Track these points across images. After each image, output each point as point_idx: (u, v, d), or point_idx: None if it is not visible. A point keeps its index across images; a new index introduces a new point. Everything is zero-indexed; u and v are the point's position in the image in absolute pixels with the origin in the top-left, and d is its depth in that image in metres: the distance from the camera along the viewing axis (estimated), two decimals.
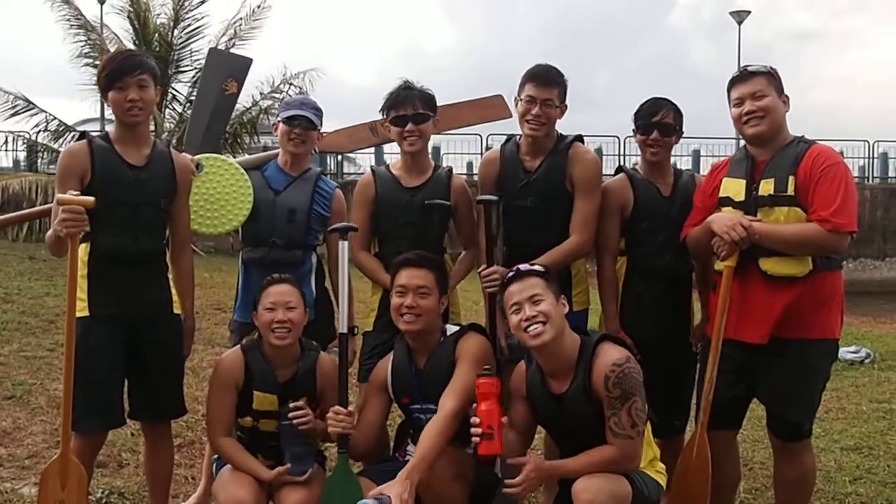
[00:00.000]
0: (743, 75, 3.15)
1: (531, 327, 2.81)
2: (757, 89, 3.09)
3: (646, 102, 3.51)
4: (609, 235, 3.50)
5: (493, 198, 3.34)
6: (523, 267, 2.96)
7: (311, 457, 3.09)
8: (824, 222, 2.92)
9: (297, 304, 3.14)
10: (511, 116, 3.97)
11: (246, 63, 4.21)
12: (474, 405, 2.82)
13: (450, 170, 3.60)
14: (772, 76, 3.12)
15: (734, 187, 3.15)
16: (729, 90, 3.19)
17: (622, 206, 3.49)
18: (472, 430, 2.77)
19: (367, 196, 3.55)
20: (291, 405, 3.03)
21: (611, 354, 2.82)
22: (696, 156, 21.53)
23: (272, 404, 3.11)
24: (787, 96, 3.16)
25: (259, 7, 16.79)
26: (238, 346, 3.26)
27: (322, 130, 3.66)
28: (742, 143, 3.29)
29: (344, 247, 3.20)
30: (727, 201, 3.16)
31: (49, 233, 2.95)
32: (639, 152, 3.62)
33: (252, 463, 3.07)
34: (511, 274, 2.95)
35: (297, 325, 3.12)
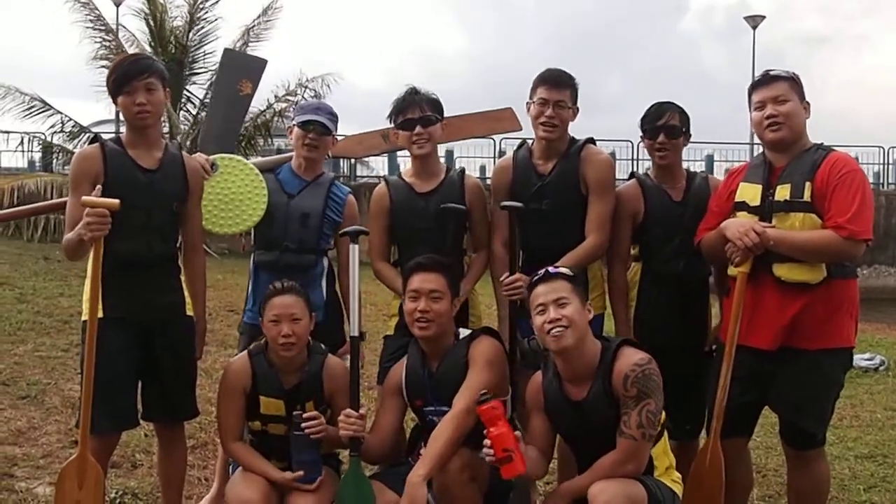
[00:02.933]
0: (765, 79, 3.13)
1: (554, 330, 2.80)
2: (779, 93, 3.07)
3: (651, 107, 3.52)
4: (621, 242, 3.51)
5: (518, 204, 3.32)
6: (552, 268, 2.95)
7: (320, 464, 3.07)
8: (840, 229, 2.90)
9: (302, 315, 3.11)
10: (521, 129, 3.98)
11: (260, 64, 4.22)
12: (485, 431, 2.75)
13: (462, 171, 3.60)
14: (794, 81, 3.11)
15: (750, 192, 3.13)
16: (750, 94, 3.17)
17: (634, 213, 3.49)
18: (488, 458, 2.73)
19: (382, 207, 3.55)
20: (304, 415, 3.01)
21: (633, 356, 2.82)
22: (710, 161, 21.43)
23: (278, 409, 3.12)
24: (808, 103, 3.14)
25: (270, 7, 16.91)
26: (245, 351, 3.27)
27: (336, 135, 3.67)
28: (757, 149, 3.27)
29: (355, 250, 3.19)
30: (742, 206, 3.14)
31: (69, 236, 2.92)
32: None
33: (263, 464, 3.07)
34: (538, 275, 2.94)
35: (302, 338, 3.12)
